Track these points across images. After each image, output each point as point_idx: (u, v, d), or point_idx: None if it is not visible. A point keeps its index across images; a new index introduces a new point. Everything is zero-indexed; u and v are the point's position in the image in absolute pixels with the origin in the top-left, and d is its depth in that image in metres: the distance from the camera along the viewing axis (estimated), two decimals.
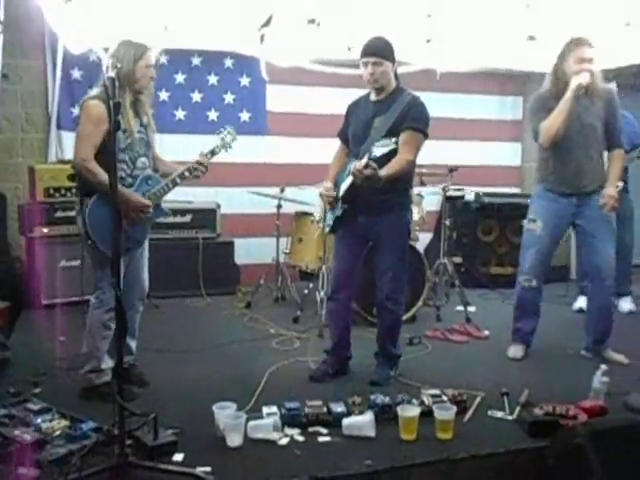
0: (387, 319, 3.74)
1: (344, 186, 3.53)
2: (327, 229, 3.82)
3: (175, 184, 3.47)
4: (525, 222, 4.23)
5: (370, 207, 3.53)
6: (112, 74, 2.53)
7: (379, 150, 3.30)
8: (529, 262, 4.12)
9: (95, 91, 3.22)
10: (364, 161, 3.21)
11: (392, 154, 3.39)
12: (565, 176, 3.97)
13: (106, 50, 3.35)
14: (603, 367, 3.41)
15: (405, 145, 3.44)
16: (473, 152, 6.96)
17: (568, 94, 3.80)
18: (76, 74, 5.71)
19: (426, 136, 3.54)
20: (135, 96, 3.32)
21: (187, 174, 3.48)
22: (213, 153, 3.54)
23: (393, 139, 3.36)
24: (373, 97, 3.63)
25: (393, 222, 3.60)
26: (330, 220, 3.71)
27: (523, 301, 4.20)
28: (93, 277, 3.37)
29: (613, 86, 3.99)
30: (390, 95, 3.56)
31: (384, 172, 3.29)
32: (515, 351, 4.18)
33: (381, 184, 3.30)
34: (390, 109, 3.50)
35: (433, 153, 6.35)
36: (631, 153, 4.68)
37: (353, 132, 3.67)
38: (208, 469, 2.62)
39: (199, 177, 3.52)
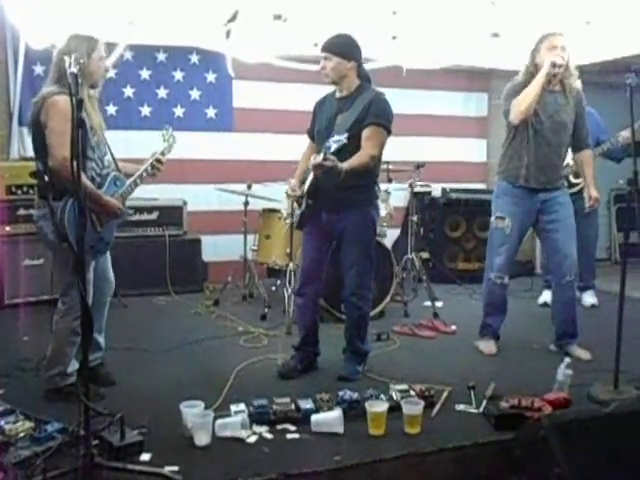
0: (354, 315, 3.75)
1: (307, 182, 3.56)
2: (295, 225, 3.86)
3: (137, 185, 3.46)
4: (492, 219, 4.23)
5: (333, 203, 3.54)
6: (75, 70, 2.49)
7: (333, 145, 3.39)
8: (500, 260, 4.15)
9: (54, 87, 3.12)
10: (321, 155, 3.22)
11: (345, 149, 3.41)
12: (532, 172, 4.00)
13: (54, 47, 3.27)
14: (567, 360, 3.47)
15: (368, 140, 3.45)
16: (439, 148, 7.02)
17: (542, 70, 3.84)
18: (38, 69, 5.61)
19: (389, 132, 3.55)
20: (88, 92, 3.22)
21: (145, 174, 3.48)
22: (163, 154, 3.55)
23: (345, 135, 3.41)
24: (338, 94, 3.65)
25: (357, 218, 3.60)
26: (297, 216, 3.72)
27: (494, 298, 4.24)
28: (61, 282, 3.30)
29: (579, 84, 4.04)
30: (353, 92, 3.58)
31: (346, 165, 3.31)
32: (488, 346, 4.22)
33: (342, 177, 3.30)
34: (352, 106, 3.52)
35: (400, 149, 6.41)
36: (595, 149, 4.76)
37: (318, 129, 3.69)
38: (176, 468, 2.60)
39: (154, 176, 3.52)
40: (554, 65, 3.84)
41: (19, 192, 5.01)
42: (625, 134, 4.80)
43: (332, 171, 3.25)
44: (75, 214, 3.01)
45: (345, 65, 3.52)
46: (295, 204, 3.73)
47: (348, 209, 3.56)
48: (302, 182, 3.66)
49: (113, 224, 3.39)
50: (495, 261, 4.18)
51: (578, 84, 4.03)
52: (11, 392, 3.34)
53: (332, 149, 3.38)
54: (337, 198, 3.50)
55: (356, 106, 3.51)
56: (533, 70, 3.95)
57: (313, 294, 3.79)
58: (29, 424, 2.82)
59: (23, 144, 5.61)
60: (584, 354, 4.05)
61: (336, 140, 3.43)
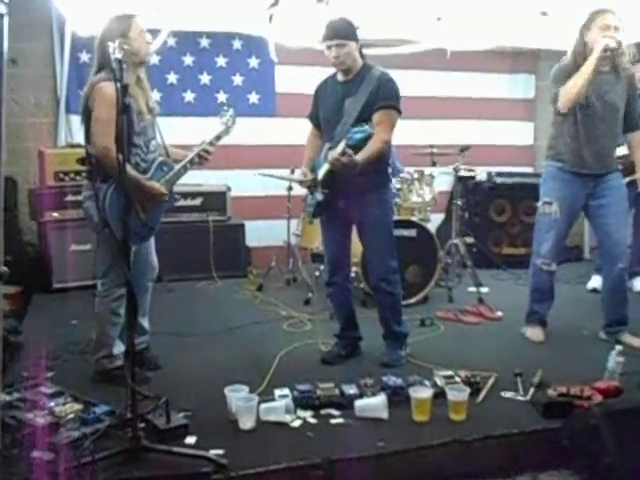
0: (385, 300, 3.71)
1: (322, 171, 3.48)
2: (309, 214, 3.78)
3: (186, 170, 3.44)
4: (539, 204, 4.11)
5: (349, 190, 3.48)
6: (119, 55, 2.51)
7: (356, 136, 3.27)
8: (547, 246, 4.04)
9: (102, 73, 3.13)
10: (340, 149, 3.18)
11: (368, 139, 3.35)
12: (584, 156, 3.86)
13: (92, 38, 3.28)
14: (618, 347, 3.39)
15: (380, 125, 3.39)
16: (484, 131, 6.88)
17: (593, 55, 3.64)
18: (84, 57, 5.67)
19: (399, 112, 3.49)
20: (137, 73, 3.23)
21: (196, 159, 3.45)
22: (218, 138, 3.52)
23: (367, 125, 3.31)
24: (340, 78, 3.56)
25: (373, 203, 3.56)
26: (311, 206, 3.66)
27: (541, 284, 4.13)
28: (102, 264, 3.35)
29: (631, 63, 3.87)
30: (357, 74, 3.51)
31: (360, 156, 3.26)
32: (535, 333, 4.13)
33: (358, 169, 3.27)
34: (360, 89, 3.46)
35: (444, 133, 6.36)
36: None
37: (324, 115, 3.62)
38: (220, 452, 2.62)
39: (203, 162, 3.50)
40: (606, 50, 3.64)
41: (67, 178, 5.09)
42: None
43: (349, 165, 3.22)
44: (115, 200, 3.08)
45: (355, 48, 3.47)
46: (307, 191, 3.69)
47: (364, 194, 3.52)
48: (312, 169, 3.62)
49: (159, 210, 3.41)
50: (542, 247, 4.07)
51: (630, 64, 3.87)
52: (60, 374, 3.41)
53: (355, 139, 3.26)
54: (353, 184, 3.44)
55: (363, 89, 3.44)
56: (582, 50, 3.78)
57: (343, 281, 3.77)
58: (78, 406, 2.89)
59: (70, 131, 5.71)
60: (636, 341, 3.94)
61: (361, 130, 3.30)
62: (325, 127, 3.63)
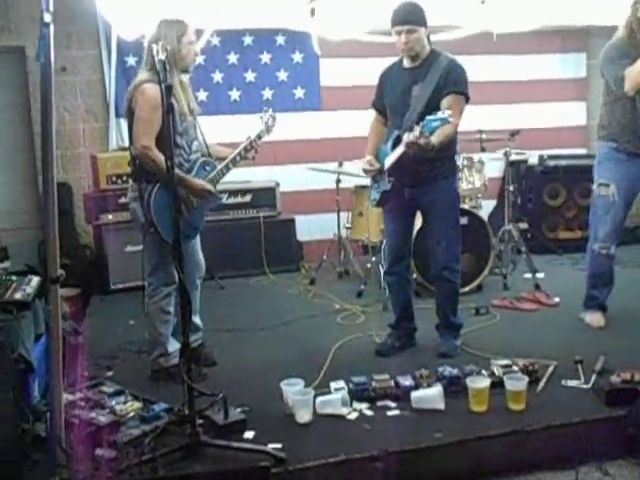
0: (445, 289, 3.68)
1: (391, 159, 3.42)
2: (373, 203, 3.75)
3: (229, 169, 3.48)
4: (595, 186, 4.00)
5: (417, 178, 3.46)
6: (162, 57, 2.54)
7: (433, 124, 3.11)
8: (605, 229, 3.93)
9: (145, 75, 3.19)
10: (417, 131, 3.12)
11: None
12: (638, 135, 3.75)
13: (144, 37, 3.33)
14: None
15: (450, 109, 3.31)
16: (535, 114, 6.71)
17: None
18: (131, 61, 5.76)
19: (468, 98, 3.44)
20: (179, 77, 3.27)
21: (239, 158, 3.49)
22: (259, 137, 3.54)
23: (447, 112, 3.14)
24: (407, 64, 3.51)
25: (441, 191, 3.53)
26: (376, 194, 3.63)
27: (598, 268, 4.02)
28: (148, 264, 3.39)
29: None
30: (425, 61, 3.46)
31: (435, 139, 3.20)
32: (596, 318, 4.03)
33: (432, 153, 3.22)
34: (428, 75, 3.40)
35: (493, 118, 6.23)
36: None
37: (391, 103, 3.58)
38: (279, 446, 2.64)
39: (247, 159, 3.53)
40: None
41: (119, 181, 5.20)
42: None
43: (426, 148, 3.17)
44: (160, 199, 3.12)
45: (424, 33, 3.42)
46: (371, 180, 3.66)
47: (432, 182, 3.49)
48: (376, 157, 3.58)
49: (203, 209, 3.45)
50: (600, 231, 3.96)
51: None
52: (120, 374, 3.49)
53: (432, 127, 3.12)
54: (421, 172, 3.42)
55: (432, 75, 3.39)
56: (636, 26, 3.65)
57: (404, 271, 3.75)
58: (137, 404, 2.95)
59: (121, 135, 5.81)
60: None
61: (438, 118, 3.11)
62: (391, 114, 3.60)
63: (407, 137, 3.19)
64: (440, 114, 3.13)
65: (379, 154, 3.59)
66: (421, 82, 3.42)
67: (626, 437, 2.71)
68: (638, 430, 2.66)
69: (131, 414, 2.86)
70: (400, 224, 3.67)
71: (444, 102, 3.35)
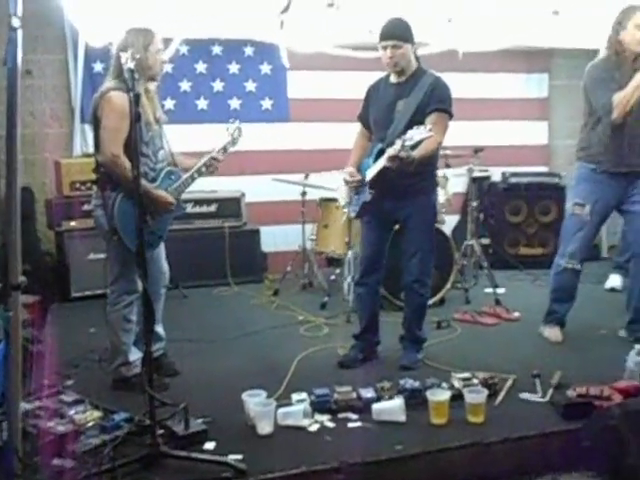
0: (415, 302, 3.71)
1: (372, 171, 3.47)
2: (353, 214, 3.79)
3: (194, 179, 3.49)
4: (569, 205, 4.06)
5: (397, 191, 3.50)
6: (131, 65, 2.53)
7: (416, 137, 3.15)
8: (574, 246, 3.99)
9: (112, 83, 3.18)
10: (398, 145, 3.17)
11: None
12: (620, 154, 3.80)
13: (112, 44, 3.32)
14: (638, 347, 3.36)
15: (434, 127, 3.35)
16: (498, 132, 6.85)
17: None
18: (98, 67, 5.72)
19: (451, 116, 3.50)
20: (145, 86, 3.26)
21: (204, 169, 3.49)
22: (225, 149, 3.55)
23: (428, 127, 3.19)
24: (393, 79, 3.57)
25: (420, 205, 3.58)
26: (356, 205, 3.67)
27: (563, 284, 4.08)
28: (111, 272, 3.36)
29: None
30: (411, 77, 3.51)
31: (417, 153, 3.24)
32: (554, 333, 4.10)
33: (413, 167, 3.27)
34: (413, 91, 3.46)
35: (458, 134, 6.25)
36: None
37: (375, 116, 3.63)
38: (239, 457, 2.63)
39: (213, 172, 3.54)
40: None
41: (83, 188, 5.14)
42: None
43: (406, 161, 3.22)
44: (124, 208, 3.11)
45: (411, 50, 3.47)
46: (352, 192, 3.69)
47: (412, 196, 3.53)
48: (358, 169, 3.63)
49: (167, 218, 3.43)
50: (569, 247, 4.01)
51: None
52: (80, 383, 3.45)
53: (414, 140, 3.16)
54: (402, 186, 3.45)
55: (417, 91, 3.44)
56: (618, 48, 3.72)
57: (374, 283, 3.77)
58: (97, 413, 2.92)
59: (85, 141, 5.75)
60: None
61: (421, 132, 3.16)
62: (375, 128, 3.64)
63: (389, 151, 3.24)
64: (422, 128, 3.17)
65: (361, 166, 3.63)
66: (406, 98, 3.47)
67: (582, 450, 2.76)
68: (593, 443, 2.72)
69: (91, 423, 2.83)
70: (377, 236, 3.70)
71: (429, 118, 3.38)
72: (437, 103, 3.42)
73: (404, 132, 3.25)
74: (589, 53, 5.71)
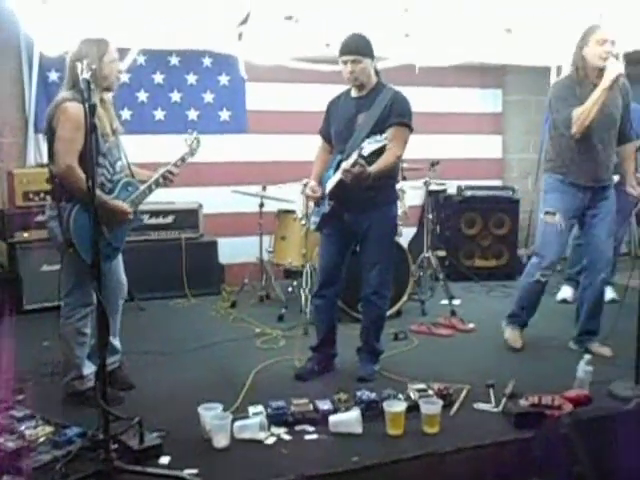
0: (373, 314, 3.74)
1: (331, 183, 3.51)
2: (313, 227, 3.81)
3: (152, 191, 3.45)
4: (541, 215, 4.11)
5: (357, 204, 3.52)
6: (87, 76, 2.51)
7: (370, 147, 3.22)
8: (552, 257, 4.05)
9: (67, 93, 3.14)
10: (352, 159, 3.21)
11: (382, 150, 3.35)
12: (585, 168, 3.88)
13: (67, 53, 3.29)
14: (587, 357, 3.44)
15: (393, 140, 3.41)
16: (454, 146, 6.97)
17: (604, 84, 3.64)
18: (53, 76, 5.64)
19: (411, 130, 3.55)
20: (101, 96, 3.23)
21: (161, 181, 3.46)
22: (183, 160, 3.53)
23: (383, 135, 3.26)
24: (354, 94, 3.61)
25: (380, 217, 3.61)
26: (316, 218, 3.69)
27: (534, 294, 4.15)
28: (65, 285, 3.31)
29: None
30: (371, 91, 3.56)
31: (374, 168, 3.29)
32: (514, 337, 4.20)
33: (370, 181, 3.30)
34: (373, 105, 3.50)
35: (414, 148, 6.30)
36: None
37: (336, 129, 3.65)
38: (195, 471, 2.61)
39: (171, 182, 3.51)
40: (619, 77, 3.65)
41: (36, 198, 5.05)
42: None
43: (361, 176, 3.26)
44: (79, 219, 3.07)
45: (371, 64, 3.52)
46: (312, 205, 3.72)
47: (372, 209, 3.56)
48: (320, 182, 3.65)
49: (124, 230, 3.40)
50: (547, 260, 4.05)
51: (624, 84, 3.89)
52: (32, 397, 3.35)
53: (368, 151, 3.22)
54: (361, 198, 3.48)
55: (377, 105, 3.49)
56: (582, 64, 3.81)
57: (332, 295, 3.79)
58: (49, 429, 2.86)
59: (39, 151, 5.65)
60: (606, 351, 3.99)
61: (375, 140, 3.23)
62: (336, 140, 3.66)
63: (343, 164, 3.28)
64: (378, 137, 3.22)
65: (323, 179, 3.65)
66: (366, 111, 3.51)
67: (533, 459, 2.81)
68: (544, 452, 2.77)
69: (42, 439, 2.77)
70: (336, 248, 3.71)
71: (388, 132, 3.42)
72: (397, 117, 3.47)
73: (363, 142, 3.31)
74: (540, 70, 5.91)
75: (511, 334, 4.21)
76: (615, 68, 3.64)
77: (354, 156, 3.22)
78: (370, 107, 3.51)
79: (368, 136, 3.37)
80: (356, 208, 3.55)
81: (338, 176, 3.40)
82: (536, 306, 4.21)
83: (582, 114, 3.70)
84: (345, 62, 3.47)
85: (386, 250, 3.67)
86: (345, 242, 3.72)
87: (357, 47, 3.47)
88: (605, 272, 4.00)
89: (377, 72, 3.61)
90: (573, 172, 3.92)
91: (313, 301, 3.86)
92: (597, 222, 3.98)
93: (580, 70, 3.83)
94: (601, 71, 3.71)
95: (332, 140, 3.72)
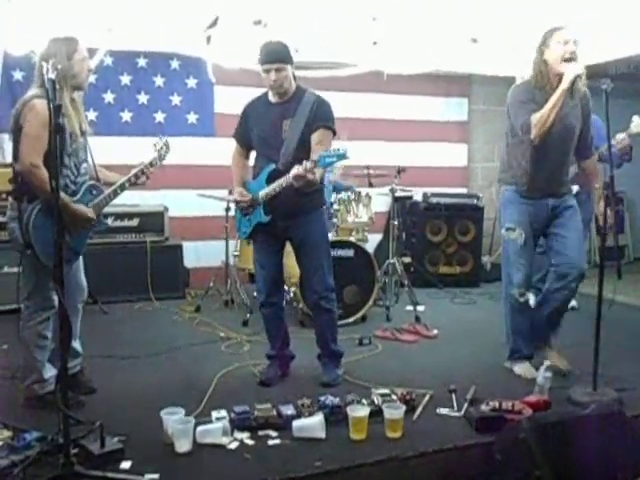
0: (324, 318, 3.74)
1: (268, 191, 3.50)
2: (243, 236, 3.81)
3: (117, 195, 3.41)
4: (503, 231, 3.88)
5: (290, 210, 3.54)
6: (52, 76, 2.48)
7: (327, 160, 3.25)
8: (519, 275, 3.82)
9: (36, 91, 3.09)
10: (308, 166, 3.24)
11: (298, 156, 3.39)
12: (539, 179, 3.71)
13: (33, 52, 3.25)
14: (547, 362, 3.49)
15: (320, 144, 3.45)
16: (420, 153, 7.05)
17: (563, 85, 3.44)
18: (17, 75, 5.57)
19: (335, 133, 3.58)
20: (71, 96, 3.19)
21: (127, 185, 3.43)
22: (151, 165, 3.50)
23: (341, 149, 3.26)
24: (273, 99, 3.60)
25: (314, 222, 3.64)
26: (247, 227, 3.69)
27: (519, 318, 3.89)
28: (24, 287, 3.25)
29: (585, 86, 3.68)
30: (293, 96, 3.56)
31: (318, 174, 3.35)
32: (525, 370, 3.84)
33: (314, 187, 3.37)
34: (297, 111, 3.52)
35: (381, 154, 6.47)
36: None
37: (261, 135, 3.63)
38: (156, 476, 2.59)
39: (138, 185, 3.48)
40: (576, 78, 3.46)
41: None
42: (619, 137, 4.61)
43: (312, 183, 3.31)
44: (40, 221, 3.03)
45: (290, 70, 3.52)
46: (239, 213, 3.72)
47: (305, 214, 3.59)
48: (244, 188, 3.66)
49: (85, 233, 3.35)
50: (515, 277, 3.84)
51: (584, 86, 3.66)
52: None
53: (327, 162, 3.25)
54: (294, 204, 3.50)
55: (302, 110, 3.51)
56: (544, 68, 3.61)
57: (280, 301, 3.82)
58: (7, 433, 2.81)
59: (2, 150, 5.57)
60: (563, 364, 3.82)
61: (334, 155, 3.24)
62: (262, 147, 3.64)
63: (296, 170, 3.28)
64: (336, 150, 3.25)
65: (249, 187, 3.65)
66: (291, 117, 3.52)
67: (494, 463, 2.84)
68: (504, 456, 2.80)
69: None
70: (273, 255, 3.72)
71: (314, 136, 3.47)
72: (322, 121, 3.51)
73: (297, 152, 3.42)
74: (506, 80, 6.00)
75: (520, 368, 3.87)
76: (573, 68, 3.46)
77: (308, 163, 3.26)
78: (295, 113, 3.52)
79: (299, 144, 3.45)
80: (289, 215, 3.56)
81: (283, 183, 3.40)
82: (531, 332, 3.90)
83: (542, 117, 3.51)
84: (268, 70, 3.46)
85: (325, 254, 3.69)
86: (280, 248, 3.75)
87: (279, 55, 3.47)
88: (573, 282, 3.73)
89: (294, 77, 3.60)
90: (527, 183, 3.73)
91: (262, 311, 3.83)
92: (563, 232, 3.75)
93: (541, 76, 3.63)
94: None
95: (253, 145, 3.72)
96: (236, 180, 3.74)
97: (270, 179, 3.49)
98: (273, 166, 3.52)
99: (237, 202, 3.68)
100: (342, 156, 3.25)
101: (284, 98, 3.56)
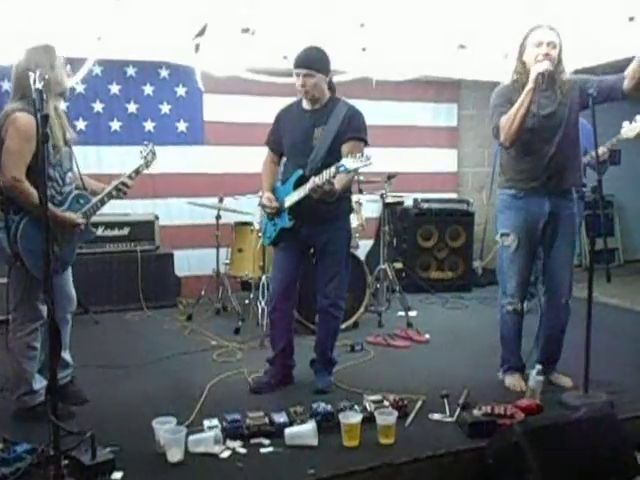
0: (330, 325, 3.74)
1: (294, 198, 3.51)
2: (267, 241, 3.80)
3: (104, 203, 3.40)
4: (498, 237, 3.77)
5: (315, 217, 3.54)
6: (40, 86, 2.48)
7: (351, 165, 3.18)
8: (512, 284, 3.70)
9: (17, 104, 3.09)
10: (324, 177, 3.25)
11: (328, 164, 3.35)
12: (528, 172, 3.57)
13: (11, 66, 3.23)
14: (538, 367, 3.49)
15: (351, 154, 3.39)
16: (410, 159, 7.06)
17: (528, 85, 3.39)
18: (6, 86, 5.55)
19: (367, 144, 3.58)
20: (55, 104, 3.18)
21: (114, 193, 3.41)
22: (137, 172, 3.50)
23: (365, 156, 3.19)
24: (307, 106, 3.62)
25: (337, 230, 3.65)
26: (272, 232, 3.69)
27: (508, 330, 3.80)
28: (13, 298, 3.23)
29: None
30: (325, 105, 3.58)
31: (337, 186, 3.33)
32: (514, 382, 3.73)
33: (335, 197, 3.36)
34: (330, 120, 3.52)
35: (371, 161, 6.47)
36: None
37: (291, 142, 3.65)
38: None
39: (124, 195, 3.47)
40: (538, 77, 3.36)
41: None
42: (600, 151, 4.44)
43: (330, 193, 3.31)
44: (28, 232, 3.02)
45: (324, 80, 3.53)
46: (267, 217, 3.72)
47: (330, 222, 3.60)
48: (273, 194, 3.66)
49: (74, 243, 3.34)
50: (507, 285, 3.73)
51: (569, 80, 3.56)
52: None
53: (347, 169, 3.20)
54: (320, 212, 3.50)
55: (334, 119, 3.51)
56: (522, 69, 3.55)
57: (289, 308, 3.79)
58: None
59: None
60: (566, 381, 3.73)
61: (359, 159, 3.17)
62: (292, 154, 3.65)
63: (312, 182, 3.31)
64: (360, 155, 3.19)
65: (276, 192, 3.66)
66: (323, 125, 3.52)
67: (486, 467, 2.85)
68: (497, 460, 2.81)
69: None
70: (292, 262, 3.71)
71: (345, 147, 3.45)
72: (354, 132, 3.51)
73: (325, 159, 3.39)
74: (495, 85, 6.02)
75: (510, 380, 3.76)
76: (537, 67, 3.38)
77: (325, 174, 3.26)
78: (327, 121, 3.53)
79: (328, 152, 3.44)
80: (314, 222, 3.57)
81: (304, 192, 3.41)
82: (517, 342, 3.80)
83: (507, 120, 3.45)
84: (298, 75, 3.49)
85: (343, 262, 3.69)
86: (300, 256, 3.73)
87: (310, 61, 3.48)
88: (566, 296, 3.68)
89: (331, 86, 3.63)
90: (521, 179, 3.61)
91: (270, 315, 3.83)
92: (558, 243, 3.65)
93: (520, 76, 3.55)
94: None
95: (284, 152, 3.73)
96: (265, 186, 3.73)
97: (297, 185, 3.49)
98: (301, 172, 3.52)
99: (263, 206, 3.67)
100: (363, 162, 3.19)
101: (316, 106, 3.57)
